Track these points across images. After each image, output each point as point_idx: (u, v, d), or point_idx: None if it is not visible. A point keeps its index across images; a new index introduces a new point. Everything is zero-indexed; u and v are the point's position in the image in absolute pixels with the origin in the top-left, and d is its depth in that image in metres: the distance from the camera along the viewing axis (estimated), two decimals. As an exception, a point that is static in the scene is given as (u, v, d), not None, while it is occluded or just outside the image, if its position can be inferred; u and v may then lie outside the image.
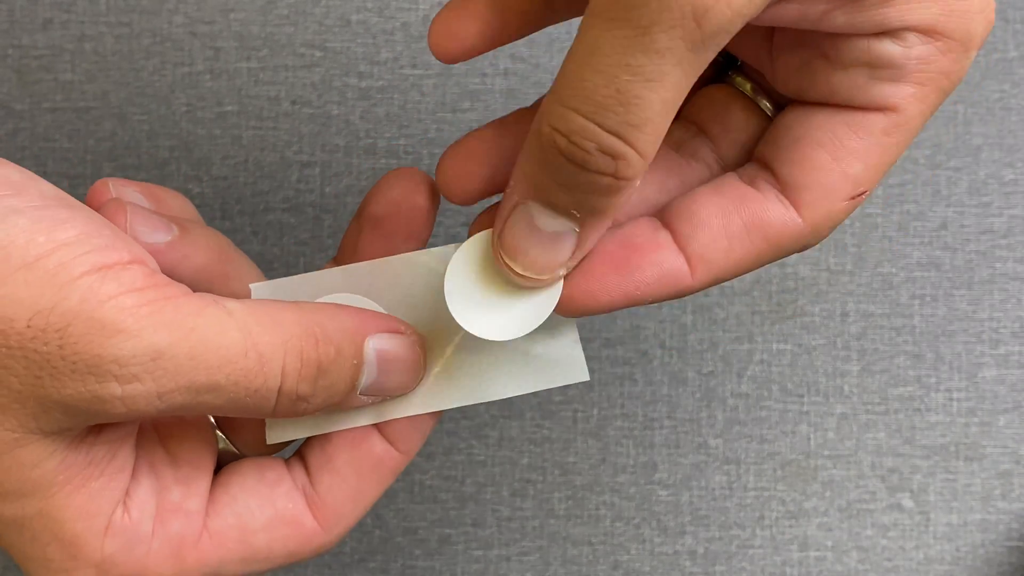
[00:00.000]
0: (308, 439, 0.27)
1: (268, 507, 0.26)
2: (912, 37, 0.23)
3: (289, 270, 0.44)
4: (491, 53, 0.45)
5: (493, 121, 0.27)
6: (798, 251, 0.25)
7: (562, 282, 0.25)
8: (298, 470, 0.27)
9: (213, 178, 0.45)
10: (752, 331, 0.45)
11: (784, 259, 0.44)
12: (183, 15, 0.45)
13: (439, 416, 0.28)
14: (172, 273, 0.25)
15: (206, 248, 0.27)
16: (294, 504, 0.26)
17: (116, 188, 0.27)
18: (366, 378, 0.25)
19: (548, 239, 0.23)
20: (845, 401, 0.45)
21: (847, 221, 0.45)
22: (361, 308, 0.26)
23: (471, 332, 0.26)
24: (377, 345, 0.25)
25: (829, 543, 0.44)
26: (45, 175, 0.25)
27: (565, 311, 0.25)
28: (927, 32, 0.23)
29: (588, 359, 0.45)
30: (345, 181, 0.45)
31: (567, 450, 0.44)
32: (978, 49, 0.23)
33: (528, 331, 0.26)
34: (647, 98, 0.20)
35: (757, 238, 0.24)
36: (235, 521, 0.25)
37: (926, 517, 0.44)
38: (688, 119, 0.27)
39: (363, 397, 0.25)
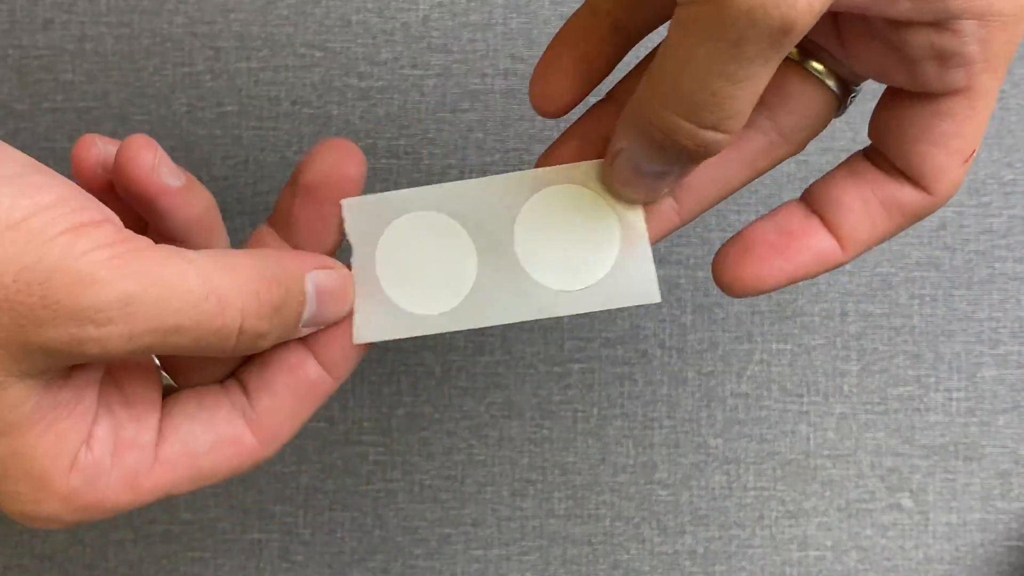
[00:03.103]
0: (247, 363, 0.30)
1: (211, 431, 0.28)
2: (969, 25, 0.25)
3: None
4: (491, 53, 0.45)
5: (570, 32, 0.30)
6: (931, 213, 0.29)
7: (616, 236, 0.29)
8: (236, 392, 0.29)
9: (213, 178, 0.45)
10: (752, 331, 0.45)
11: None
12: (183, 15, 0.45)
13: (368, 346, 0.30)
14: (174, 216, 0.28)
15: (202, 201, 0.29)
16: (234, 426, 0.28)
17: (102, 144, 0.29)
18: (307, 312, 0.28)
19: (651, 176, 0.27)
20: (844, 401, 0.45)
21: (847, 221, 0.45)
22: (296, 251, 0.29)
23: (539, 282, 0.29)
24: (315, 280, 0.28)
25: (828, 543, 0.44)
26: (46, 175, 0.26)
27: (735, 293, 0.29)
28: (982, 16, 0.25)
29: (588, 359, 0.45)
30: (345, 181, 0.45)
31: (567, 450, 0.45)
32: None
33: (590, 284, 0.29)
34: (739, 95, 0.24)
35: (896, 214, 0.29)
36: (182, 448, 0.28)
37: (925, 517, 0.44)
38: None
39: (304, 329, 0.28)
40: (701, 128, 0.24)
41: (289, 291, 0.27)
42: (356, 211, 0.30)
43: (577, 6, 0.45)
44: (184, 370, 0.30)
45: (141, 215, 0.29)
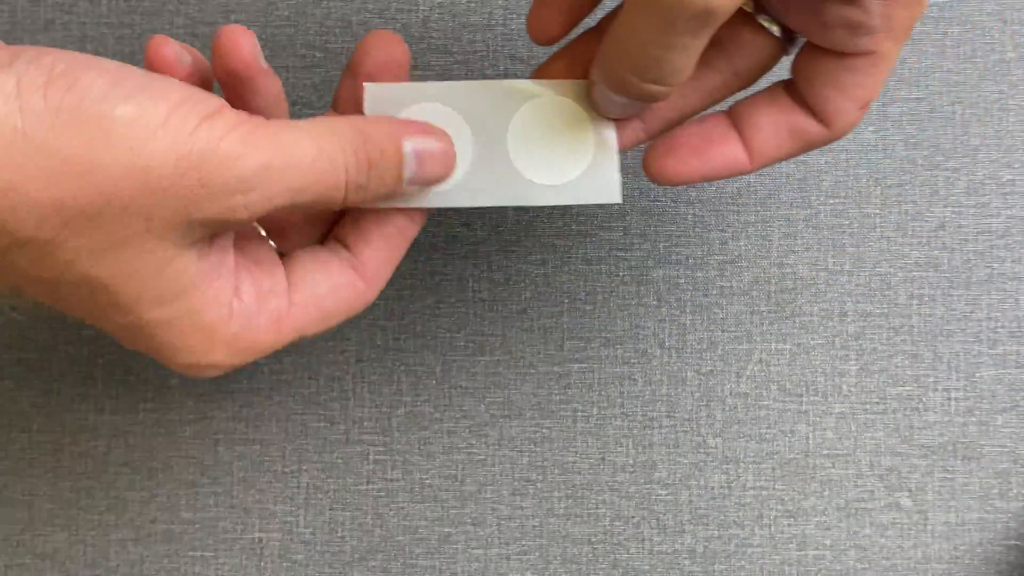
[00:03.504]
0: (341, 225, 0.35)
1: (329, 278, 0.34)
2: (874, 3, 0.30)
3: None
4: (490, 54, 0.46)
5: None
6: (826, 144, 0.35)
7: (591, 144, 0.34)
8: (339, 248, 0.35)
9: (214, 179, 0.45)
10: (751, 331, 0.45)
11: (783, 259, 0.45)
12: (184, 16, 0.45)
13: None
14: (264, 94, 0.33)
15: (279, 82, 0.34)
16: (345, 272, 0.34)
17: (172, 42, 0.33)
18: (408, 171, 0.32)
19: (619, 105, 0.33)
20: (843, 400, 0.45)
21: (847, 221, 0.45)
22: (397, 118, 0.34)
23: (523, 175, 0.34)
24: (414, 144, 0.33)
25: (827, 542, 0.44)
26: (49, 175, 0.26)
27: (658, 183, 0.35)
28: None
29: (588, 359, 0.45)
30: (345, 182, 0.45)
31: (567, 450, 0.45)
32: None
33: (565, 181, 0.34)
34: (675, 59, 0.29)
35: (798, 140, 0.34)
36: (310, 292, 0.33)
37: (924, 516, 0.44)
38: None
39: (410, 187, 0.33)
40: (645, 82, 0.30)
41: (384, 150, 0.32)
42: (375, 95, 0.34)
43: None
44: (287, 235, 0.35)
45: (228, 95, 0.33)
